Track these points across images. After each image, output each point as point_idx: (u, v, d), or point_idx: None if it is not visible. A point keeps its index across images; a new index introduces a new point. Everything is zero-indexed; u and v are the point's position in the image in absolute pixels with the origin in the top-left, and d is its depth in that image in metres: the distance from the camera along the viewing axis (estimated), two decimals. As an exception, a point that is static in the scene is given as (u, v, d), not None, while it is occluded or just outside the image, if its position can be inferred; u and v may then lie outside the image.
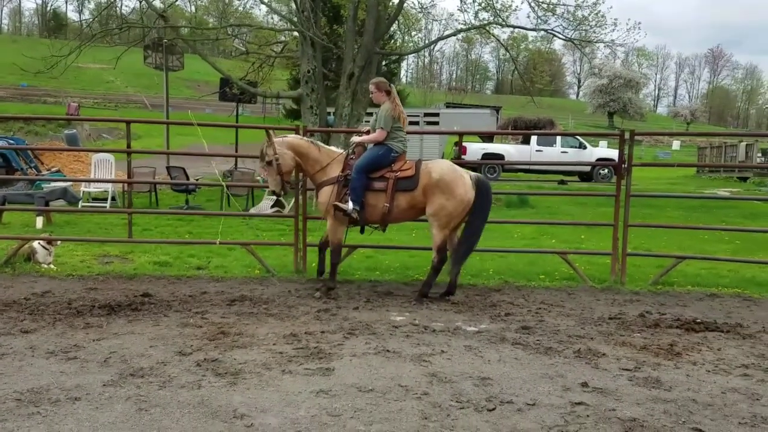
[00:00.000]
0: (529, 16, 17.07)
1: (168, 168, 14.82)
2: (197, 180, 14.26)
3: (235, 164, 18.26)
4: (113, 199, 13.45)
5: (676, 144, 49.70)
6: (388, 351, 4.72)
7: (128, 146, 8.09)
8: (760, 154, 29.27)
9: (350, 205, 6.33)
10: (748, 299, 6.89)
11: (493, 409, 3.68)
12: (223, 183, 9.63)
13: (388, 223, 6.69)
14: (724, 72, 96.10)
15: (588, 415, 3.59)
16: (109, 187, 13.60)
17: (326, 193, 6.52)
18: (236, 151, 18.25)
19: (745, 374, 4.38)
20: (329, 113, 18.11)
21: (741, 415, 3.64)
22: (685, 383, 4.17)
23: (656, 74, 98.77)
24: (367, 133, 6.77)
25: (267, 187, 14.41)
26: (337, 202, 6.39)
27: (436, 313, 5.94)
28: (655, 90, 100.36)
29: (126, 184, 9.35)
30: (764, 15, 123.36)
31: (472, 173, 6.64)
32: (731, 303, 6.69)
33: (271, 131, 6.80)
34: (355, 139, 6.74)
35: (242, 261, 8.18)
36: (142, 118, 30.76)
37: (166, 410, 3.56)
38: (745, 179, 25.80)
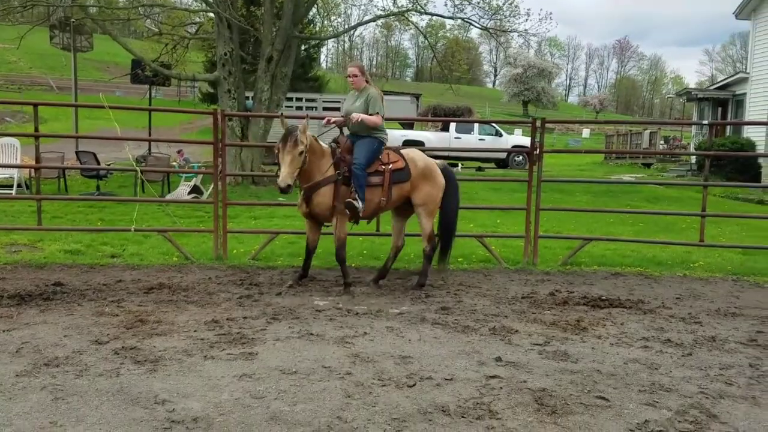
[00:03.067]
0: (446, 4, 17.42)
1: (77, 153, 14.17)
2: (109, 165, 13.71)
3: (149, 149, 17.66)
4: (20, 185, 12.74)
5: (586, 132, 51.84)
6: (311, 334, 4.77)
7: (36, 130, 7.69)
8: (662, 141, 31.16)
9: (360, 203, 6.03)
10: (649, 277, 7.39)
11: (413, 385, 3.81)
12: (138, 168, 9.31)
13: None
14: (630, 63, 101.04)
15: (501, 387, 3.79)
16: (14, 172, 12.86)
17: (328, 193, 6.03)
18: (149, 135, 17.63)
19: (645, 346, 4.72)
20: (248, 97, 17.81)
21: (641, 383, 3.94)
22: (591, 355, 4.46)
23: (568, 64, 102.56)
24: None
25: (185, 172, 14.14)
26: (351, 200, 5.99)
27: (359, 297, 6.04)
28: (566, 80, 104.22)
29: (33, 170, 8.89)
30: (668, 8, 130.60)
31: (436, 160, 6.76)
32: (634, 281, 7.16)
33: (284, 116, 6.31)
34: (358, 116, 6.09)
35: (159, 248, 7.98)
36: (50, 100, 29.09)
37: (84, 398, 3.48)
38: (648, 165, 27.37)
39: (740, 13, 23.92)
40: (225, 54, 15.43)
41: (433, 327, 5.08)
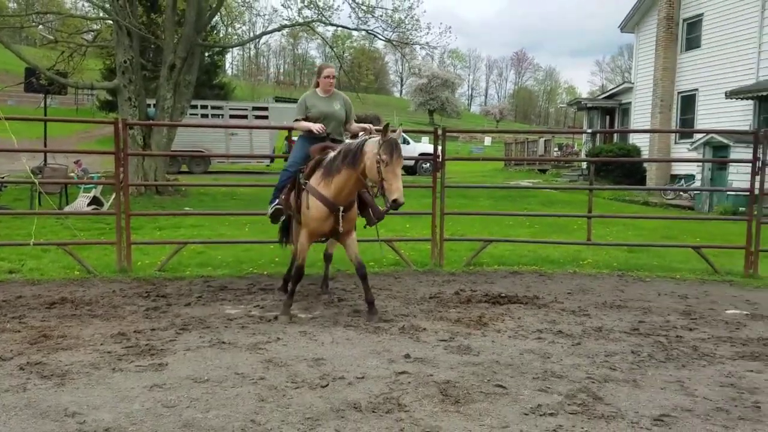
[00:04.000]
0: (350, 16, 17.83)
1: (-35, 165, 13.29)
2: (3, 178, 12.96)
3: (45, 160, 16.79)
4: None
5: (487, 140, 53.80)
6: (223, 343, 4.81)
7: None
8: (556, 149, 32.91)
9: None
10: (544, 275, 7.89)
11: (326, 385, 3.95)
12: (35, 180, 8.92)
13: None
14: (527, 74, 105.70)
15: (410, 382, 4.00)
16: None
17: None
18: (45, 146, 16.78)
19: (539, 338, 5.10)
20: (149, 105, 17.33)
21: (535, 371, 4.27)
22: (491, 348, 4.77)
23: (469, 75, 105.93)
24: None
25: (84, 183, 13.56)
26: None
27: (272, 305, 6.11)
28: (468, 90, 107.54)
29: None
30: (560, 21, 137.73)
31: None
32: (530, 278, 7.63)
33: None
34: (371, 127, 5.93)
35: (59, 262, 7.70)
36: (-75, 108, 26.88)
37: (-12, 417, 3.39)
38: (544, 171, 28.84)
39: (625, 27, 25.76)
40: (125, 62, 14.98)
41: (346, 329, 5.25)
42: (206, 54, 28.67)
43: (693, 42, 21.90)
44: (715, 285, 7.55)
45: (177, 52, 14.96)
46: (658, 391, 3.95)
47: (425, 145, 27.47)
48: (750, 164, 8.06)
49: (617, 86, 29.58)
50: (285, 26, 19.53)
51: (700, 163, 18.23)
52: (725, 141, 16.85)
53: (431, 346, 4.81)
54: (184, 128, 19.77)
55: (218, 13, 18.35)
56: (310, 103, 5.94)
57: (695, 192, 18.52)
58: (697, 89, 21.67)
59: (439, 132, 8.20)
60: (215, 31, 27.12)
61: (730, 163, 16.15)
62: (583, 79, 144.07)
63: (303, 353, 4.59)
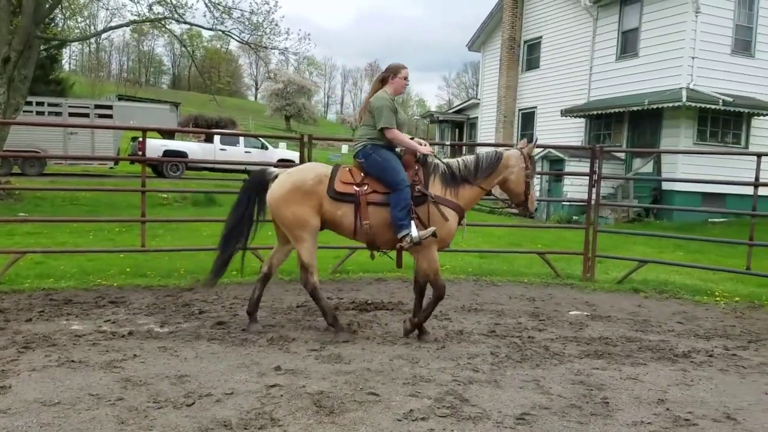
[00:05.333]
0: (205, 15, 17.19)
1: None
2: None
3: None
4: None
5: (344, 148, 54.34)
6: (72, 361, 4.41)
7: None
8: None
9: None
10: (406, 281, 8.09)
11: (192, 403, 3.75)
12: None
13: None
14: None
15: (282, 395, 3.91)
16: None
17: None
18: None
19: (406, 343, 5.21)
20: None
21: (405, 376, 4.35)
22: (361, 355, 4.80)
23: (325, 83, 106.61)
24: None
25: None
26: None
27: (124, 318, 5.70)
28: (325, 97, 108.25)
29: None
30: (412, 36, 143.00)
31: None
32: (394, 285, 7.80)
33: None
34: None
35: None
36: None
37: None
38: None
39: (472, 45, 27.31)
40: (-52, 51, 13.32)
41: (210, 343, 5.02)
42: (42, 47, 26.29)
43: (533, 63, 23.67)
44: (558, 288, 8.18)
45: (12, 44, 13.56)
46: (518, 390, 4.20)
47: (284, 151, 27.16)
48: (587, 177, 8.85)
49: (465, 101, 31.25)
50: (134, 22, 18.42)
51: (539, 175, 19.74)
52: (560, 155, 18.38)
53: (302, 356, 4.74)
54: (17, 126, 17.93)
55: (59, 5, 16.89)
56: (393, 109, 5.33)
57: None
58: (536, 107, 23.44)
59: (305, 139, 8.14)
60: (53, 23, 25.00)
61: (566, 176, 17.63)
62: (431, 93, 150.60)
63: (164, 370, 4.33)
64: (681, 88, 16.70)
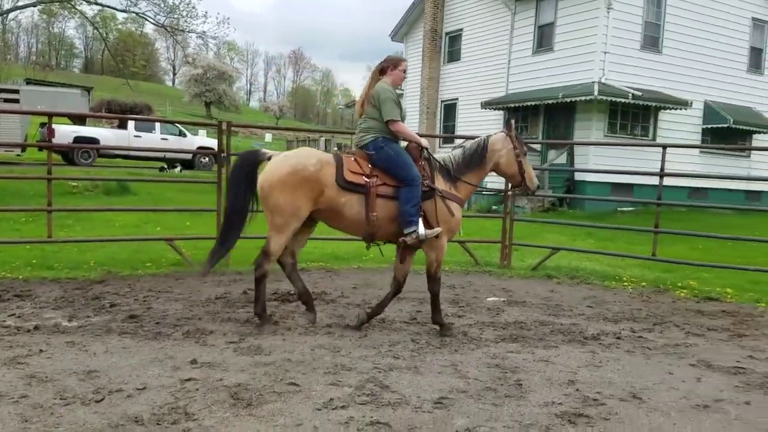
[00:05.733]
0: (119, -4, 16.40)
1: None
2: None
3: None
4: None
5: (268, 137, 53.58)
6: (-31, 360, 4.13)
7: None
8: (335, 148, 33.91)
9: None
10: (330, 270, 8.09)
11: (102, 399, 3.60)
12: None
13: None
14: (305, 73, 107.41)
15: (197, 389, 3.81)
16: None
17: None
18: None
19: (329, 332, 5.20)
20: None
21: (326, 366, 4.33)
22: (282, 346, 4.75)
23: (247, 69, 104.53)
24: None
25: None
26: None
27: (30, 312, 5.40)
28: (247, 84, 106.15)
29: None
30: (336, 24, 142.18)
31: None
32: (318, 275, 7.76)
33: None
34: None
35: None
36: None
37: None
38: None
39: (395, 36, 27.41)
40: None
41: (121, 337, 4.83)
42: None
43: (454, 54, 24.03)
44: (477, 275, 8.38)
45: None
46: (436, 375, 4.27)
47: (203, 139, 26.46)
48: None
49: (391, 91, 31.30)
50: (42, 2, 17.41)
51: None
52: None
53: (220, 349, 4.63)
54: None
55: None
56: (398, 101, 5.25)
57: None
58: (457, 98, 23.84)
59: (224, 126, 7.93)
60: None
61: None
62: (357, 83, 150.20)
63: (72, 366, 4.12)
64: (593, 82, 17.40)
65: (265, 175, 5.01)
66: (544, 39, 19.88)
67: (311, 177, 4.94)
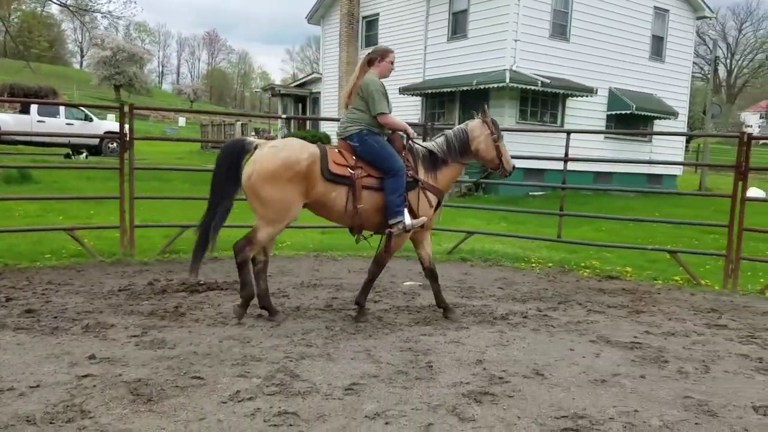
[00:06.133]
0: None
1: None
2: None
3: None
4: None
5: (182, 120, 51.81)
6: None
7: None
8: (253, 132, 33.24)
9: None
10: (243, 259, 7.90)
11: (-9, 401, 3.37)
12: None
13: None
14: (220, 55, 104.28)
15: (95, 385, 3.63)
16: None
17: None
18: None
19: (239, 323, 5.07)
20: None
21: (235, 357, 4.23)
22: (188, 339, 4.60)
23: (159, 51, 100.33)
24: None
25: None
26: None
27: None
28: (159, 66, 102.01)
29: None
30: (253, 5, 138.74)
31: None
32: (230, 264, 7.49)
33: None
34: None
35: None
36: None
37: None
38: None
39: (311, 18, 27.07)
40: None
41: (16, 333, 4.54)
42: None
43: (372, 39, 23.99)
44: (395, 260, 8.37)
45: None
46: (349, 361, 4.26)
47: (111, 123, 25.19)
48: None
49: (307, 76, 31.02)
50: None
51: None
52: (401, 132, 18.90)
53: (120, 343, 4.43)
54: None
55: None
56: (386, 93, 5.21)
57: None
58: (377, 83, 23.86)
59: (126, 109, 7.57)
60: None
61: (404, 151, 18.17)
62: (275, 66, 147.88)
63: (-43, 367, 3.84)
64: (505, 70, 17.82)
65: (255, 166, 4.83)
66: (458, 26, 20.16)
67: (303, 171, 4.85)
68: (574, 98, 19.54)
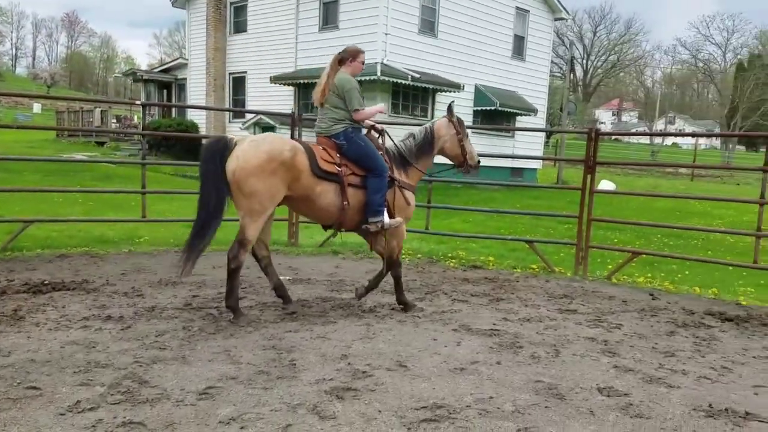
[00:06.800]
0: None
1: None
2: None
3: None
4: None
5: (37, 107, 47.87)
6: None
7: None
8: (114, 120, 31.22)
9: None
10: (96, 256, 7.36)
11: None
12: None
13: None
14: (81, 38, 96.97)
15: None
16: None
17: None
18: None
19: (85, 326, 4.68)
20: None
21: (77, 364, 3.88)
22: (26, 345, 4.17)
23: (12, 33, 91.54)
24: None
25: None
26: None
27: None
28: (12, 49, 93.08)
29: None
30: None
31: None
32: (80, 261, 7.01)
33: None
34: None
35: None
36: None
37: None
38: (102, 143, 27.05)
39: (176, 2, 25.78)
40: None
41: None
42: None
43: (241, 26, 23.31)
44: (262, 254, 8.20)
45: None
46: (206, 363, 4.05)
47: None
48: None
49: (173, 61, 29.61)
50: None
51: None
52: (272, 122, 18.55)
53: (-59, 354, 3.93)
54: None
55: None
56: (360, 90, 5.37)
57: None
58: (246, 72, 23.21)
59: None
60: None
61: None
62: (141, 51, 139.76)
63: None
64: (376, 63, 17.98)
65: (239, 161, 4.83)
66: (329, 16, 20.06)
67: (288, 162, 4.91)
68: (443, 93, 20.11)
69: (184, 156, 22.77)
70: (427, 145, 5.73)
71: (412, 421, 3.34)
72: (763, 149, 64.37)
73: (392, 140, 5.75)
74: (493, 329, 5.17)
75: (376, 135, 5.62)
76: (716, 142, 58.03)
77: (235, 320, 5.01)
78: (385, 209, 5.36)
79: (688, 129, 61.62)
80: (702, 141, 61.24)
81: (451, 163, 6.06)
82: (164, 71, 28.51)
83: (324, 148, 5.25)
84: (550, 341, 4.94)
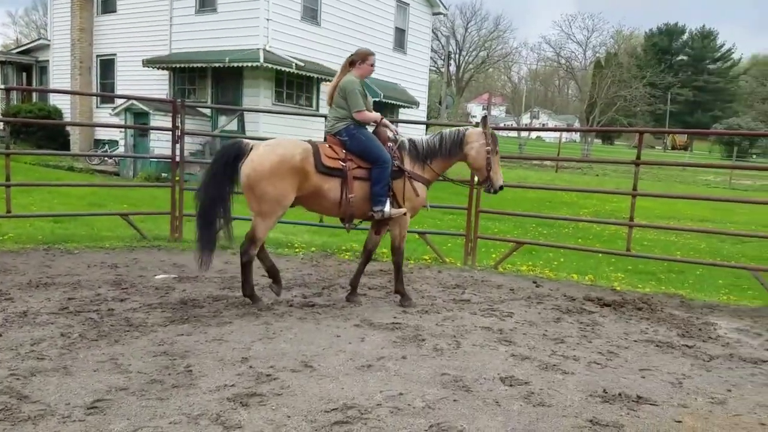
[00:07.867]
0: None
1: None
2: None
3: None
4: None
5: None
6: None
7: None
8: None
9: None
10: (16, 252, 6.63)
11: None
12: None
13: None
14: None
15: None
16: None
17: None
18: None
19: (-57, 338, 4.14)
20: None
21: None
22: None
23: None
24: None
25: None
26: None
27: None
28: None
29: None
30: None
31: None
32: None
33: None
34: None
35: None
36: None
37: None
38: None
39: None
40: None
41: None
42: None
43: (109, 6, 21.79)
44: (144, 251, 7.70)
45: None
46: (91, 374, 3.70)
47: None
48: (170, 132, 8.48)
49: (33, 41, 27.24)
50: None
51: (123, 129, 18.47)
52: (145, 108, 17.50)
53: None
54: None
55: None
56: (363, 93, 5.58)
57: (120, 158, 18.73)
58: (115, 54, 21.76)
59: None
60: None
61: (150, 130, 16.88)
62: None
63: None
64: (258, 49, 17.49)
65: (253, 164, 5.16)
66: (207, -1, 19.22)
67: (298, 166, 5.20)
68: (328, 83, 19.90)
69: (46, 144, 20.99)
70: (453, 146, 5.82)
71: (324, 424, 3.24)
72: (618, 143, 70.03)
73: (398, 134, 5.83)
74: (394, 323, 5.16)
75: (386, 129, 5.80)
76: (576, 136, 62.08)
77: (255, 306, 5.40)
78: (389, 198, 5.58)
79: (551, 123, 65.60)
80: (564, 135, 65.40)
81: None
82: (23, 53, 26.10)
83: (330, 146, 5.53)
84: (450, 332, 5.01)
